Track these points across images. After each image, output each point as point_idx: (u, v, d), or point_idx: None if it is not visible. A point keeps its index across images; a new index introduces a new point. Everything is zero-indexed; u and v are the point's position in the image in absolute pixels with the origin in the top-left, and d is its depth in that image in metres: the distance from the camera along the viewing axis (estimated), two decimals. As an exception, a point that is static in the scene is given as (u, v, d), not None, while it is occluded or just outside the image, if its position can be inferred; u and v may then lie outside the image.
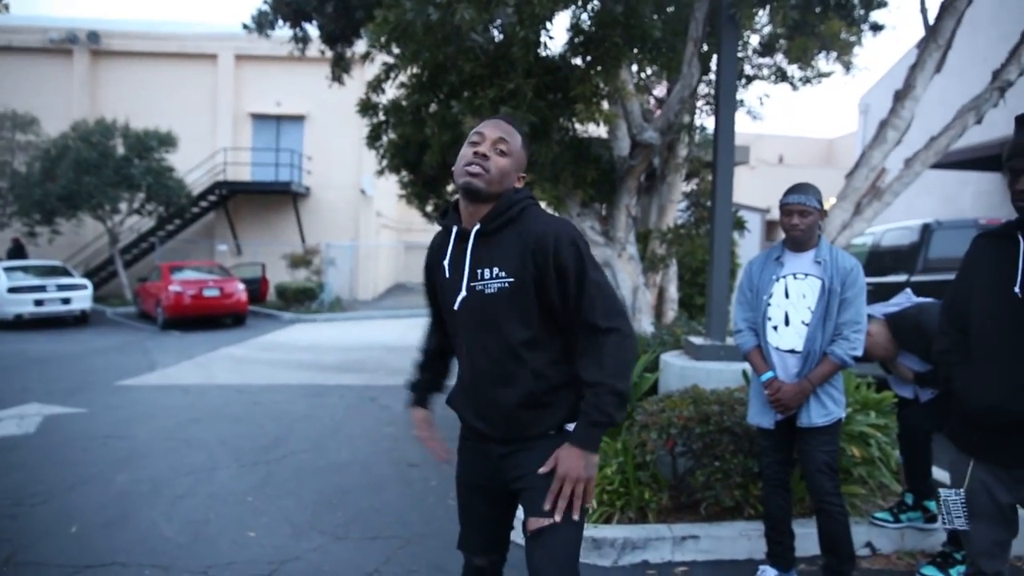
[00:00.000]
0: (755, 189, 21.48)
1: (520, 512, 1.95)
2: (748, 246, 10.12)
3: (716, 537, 3.55)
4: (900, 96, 5.27)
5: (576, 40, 5.62)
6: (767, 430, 3.06)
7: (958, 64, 7.61)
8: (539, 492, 1.83)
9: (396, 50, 5.97)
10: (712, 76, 6.63)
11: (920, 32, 5.25)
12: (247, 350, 11.59)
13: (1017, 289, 2.02)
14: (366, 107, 7.38)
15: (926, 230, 7.26)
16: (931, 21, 5.19)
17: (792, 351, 2.96)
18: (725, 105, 4.74)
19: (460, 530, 2.10)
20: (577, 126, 6.27)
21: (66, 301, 14.50)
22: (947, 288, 2.34)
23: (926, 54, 5.16)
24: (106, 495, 4.47)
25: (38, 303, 14.15)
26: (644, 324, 6.16)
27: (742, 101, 7.88)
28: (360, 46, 7.88)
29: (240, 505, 4.34)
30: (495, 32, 5.58)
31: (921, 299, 3.52)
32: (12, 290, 13.99)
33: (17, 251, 18.13)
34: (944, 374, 2.29)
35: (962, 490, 2.13)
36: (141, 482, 4.74)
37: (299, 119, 21.51)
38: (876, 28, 6.52)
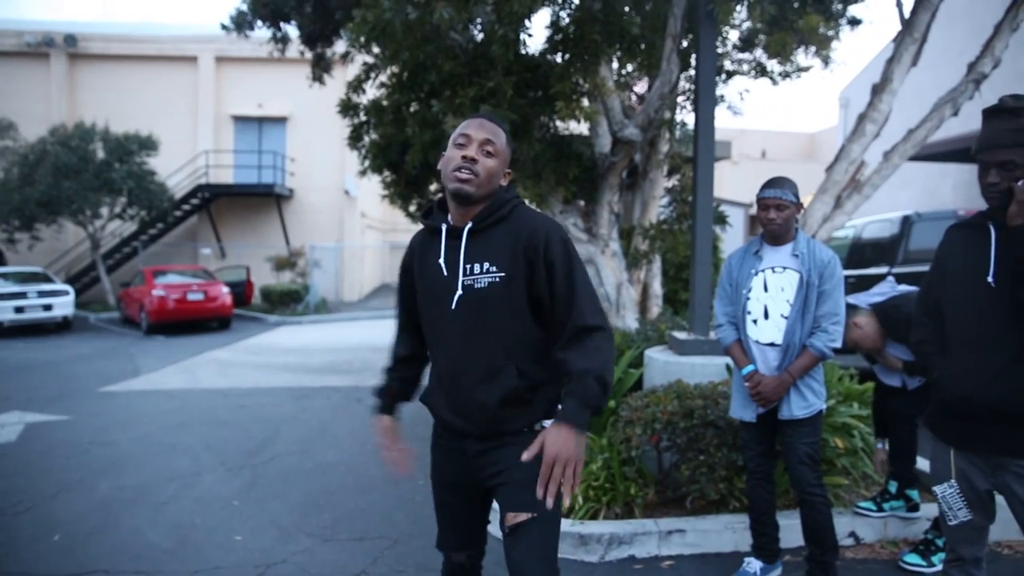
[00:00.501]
0: (739, 184, 21.59)
1: (497, 507, 1.95)
2: (732, 240, 10.19)
3: (702, 531, 3.57)
4: (877, 89, 5.32)
5: (555, 37, 5.63)
6: (749, 423, 3.08)
7: (935, 57, 7.69)
8: (516, 487, 1.84)
9: (376, 50, 5.96)
10: (692, 72, 6.66)
11: (896, 26, 5.29)
12: (232, 353, 11.52)
13: (991, 278, 2.04)
14: (347, 107, 7.35)
15: (906, 222, 7.34)
16: (907, 15, 5.24)
17: (772, 344, 2.98)
18: (705, 100, 4.76)
19: (438, 529, 2.11)
20: (558, 123, 6.28)
21: (47, 308, 14.35)
22: (922, 278, 2.36)
23: (902, 48, 5.21)
24: (89, 502, 4.43)
25: (18, 310, 13.99)
26: (628, 320, 6.18)
27: (722, 96, 7.93)
28: (340, 46, 7.85)
29: (226, 509, 4.31)
30: (474, 31, 5.57)
31: (905, 287, 3.53)
32: (-8, 297, 13.84)
33: (-4, 258, 17.93)
34: (921, 364, 2.32)
35: (953, 481, 2.15)
36: (125, 488, 4.70)
37: (281, 121, 21.40)
38: (854, 22, 6.57)
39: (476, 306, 1.85)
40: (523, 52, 5.66)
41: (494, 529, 2.39)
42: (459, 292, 1.86)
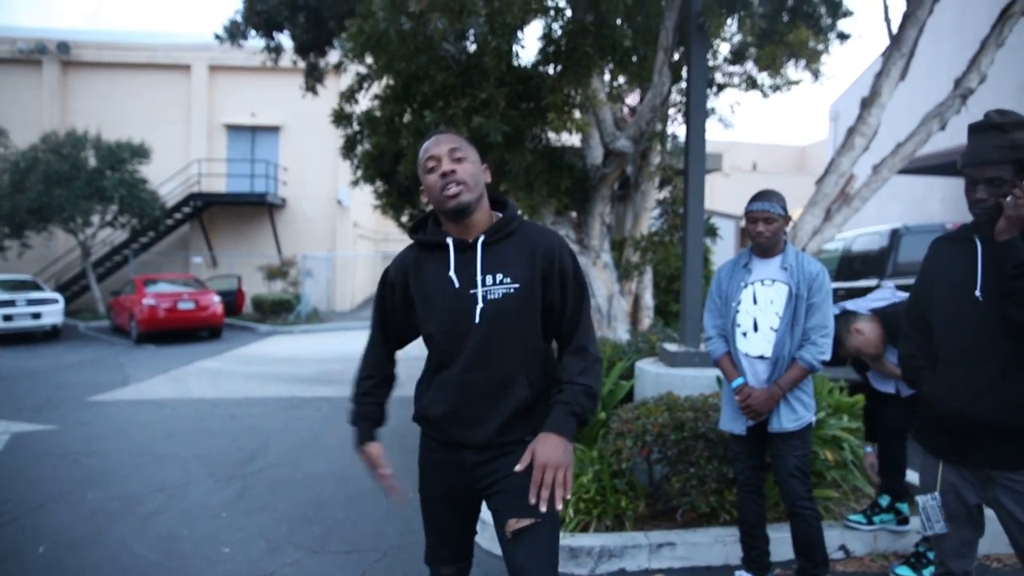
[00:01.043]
0: (730, 196, 21.70)
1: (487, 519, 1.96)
2: (722, 253, 10.22)
3: (692, 544, 3.56)
4: (867, 103, 5.37)
5: (548, 49, 5.66)
6: (739, 436, 3.08)
7: (924, 71, 7.77)
8: (518, 493, 1.83)
9: (369, 60, 5.97)
10: (683, 84, 6.71)
11: (885, 41, 5.35)
12: (223, 363, 11.46)
13: (978, 292, 2.05)
14: (340, 117, 7.37)
15: (895, 235, 7.39)
16: (895, 31, 5.30)
17: (761, 357, 2.99)
18: (696, 113, 4.79)
19: (426, 543, 2.10)
20: (550, 135, 6.30)
21: (36, 316, 14.24)
22: (909, 291, 2.38)
23: (891, 62, 5.27)
24: (76, 513, 4.39)
25: (7, 318, 13.88)
26: (620, 331, 6.19)
27: (713, 109, 7.98)
28: (333, 56, 7.87)
29: (214, 521, 4.28)
30: (467, 42, 5.60)
31: (905, 294, 3.45)
32: (-20, 305, 13.73)
33: (-16, 265, 17.79)
34: (911, 377, 2.33)
35: (937, 494, 2.16)
36: (112, 499, 4.66)
37: (274, 130, 21.39)
38: (843, 37, 6.65)
39: (492, 318, 1.86)
40: (515, 64, 5.69)
41: (480, 540, 2.38)
42: (480, 304, 1.86)
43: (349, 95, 7.17)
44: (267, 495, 4.77)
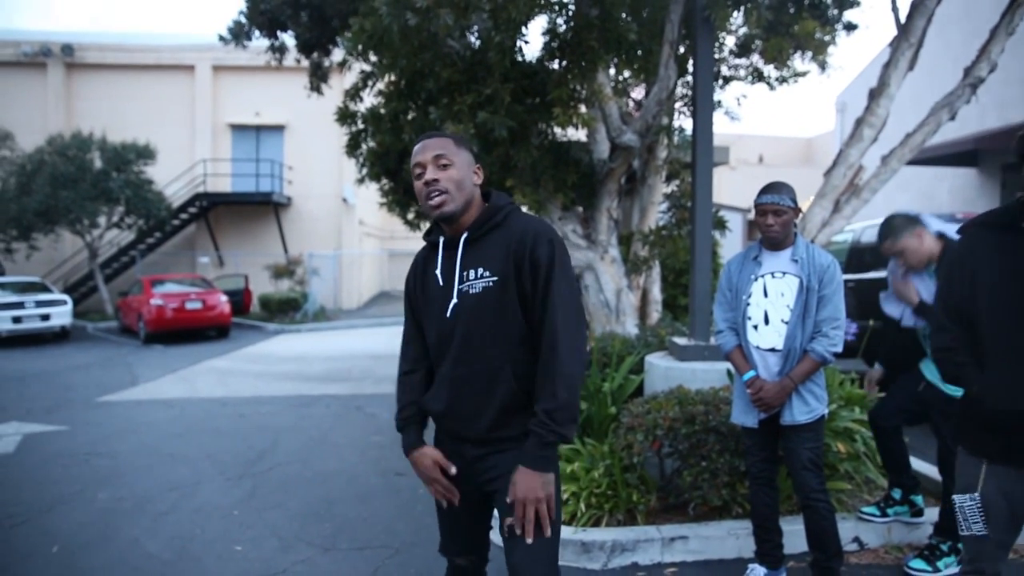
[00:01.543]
0: (736, 189, 21.64)
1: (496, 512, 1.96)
2: (730, 246, 10.18)
3: (705, 537, 3.55)
4: (875, 94, 5.33)
5: (552, 44, 5.63)
6: (751, 429, 3.06)
7: (931, 62, 7.71)
8: None
9: (373, 58, 5.96)
10: (689, 78, 6.67)
11: (892, 31, 5.31)
12: (231, 362, 11.49)
13: None
14: (344, 116, 7.35)
15: (904, 226, 7.32)
16: (903, 20, 5.26)
17: (773, 350, 2.97)
18: (702, 106, 4.76)
19: (440, 534, 2.13)
20: (556, 130, 6.28)
21: (45, 317, 14.32)
22: (940, 280, 2.26)
23: (899, 52, 5.22)
24: (88, 513, 4.41)
25: (16, 320, 13.96)
26: (628, 326, 6.17)
27: (719, 102, 7.92)
28: (337, 54, 7.85)
29: (226, 519, 4.29)
30: (472, 38, 5.58)
31: None
32: (-11, 307, 13.81)
33: (-8, 268, 17.90)
34: (952, 374, 2.23)
35: (977, 495, 2.08)
36: (124, 499, 4.67)
37: (279, 129, 21.42)
38: (850, 27, 6.59)
39: (472, 312, 1.89)
40: (520, 59, 5.67)
41: (496, 536, 2.37)
42: (454, 300, 1.91)
43: (353, 93, 7.15)
44: (278, 493, 4.78)
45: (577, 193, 6.36)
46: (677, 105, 7.20)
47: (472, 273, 1.90)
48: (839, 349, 2.92)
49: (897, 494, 3.63)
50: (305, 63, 8.44)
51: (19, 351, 13.10)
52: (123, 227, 18.13)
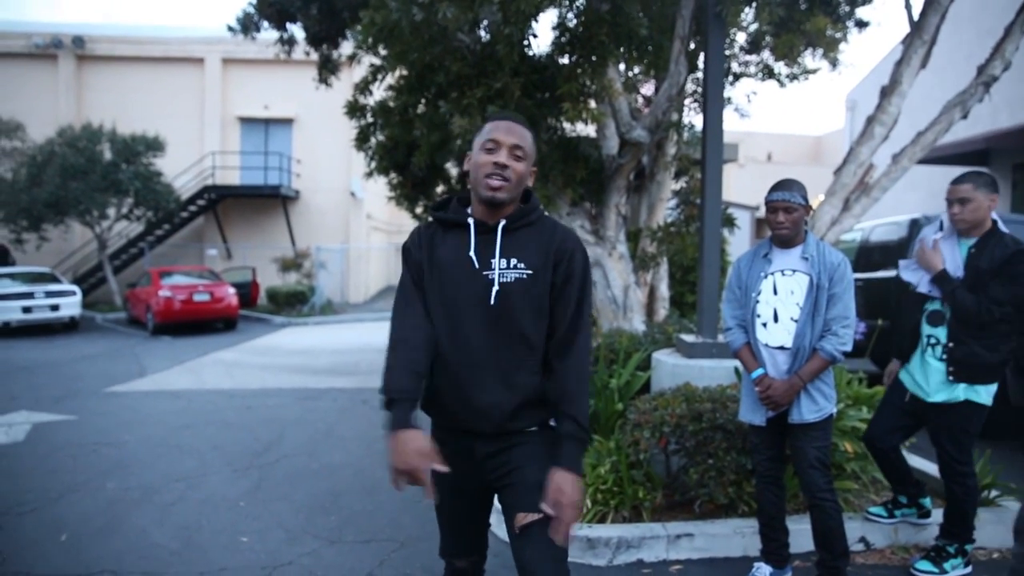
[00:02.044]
0: (744, 186, 21.57)
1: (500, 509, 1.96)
2: (738, 243, 10.15)
3: (710, 535, 3.54)
4: (886, 92, 5.30)
5: (562, 38, 5.61)
6: (759, 427, 3.06)
7: (943, 60, 7.66)
8: (527, 488, 1.84)
9: (383, 51, 5.95)
10: (700, 74, 6.64)
11: (905, 28, 5.27)
12: (238, 354, 11.53)
13: None
14: (354, 109, 7.35)
15: (914, 225, 7.28)
16: (916, 17, 5.22)
17: (782, 348, 2.96)
18: (713, 102, 4.74)
19: (440, 536, 2.09)
20: (565, 125, 6.26)
21: (55, 308, 14.41)
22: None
23: (911, 50, 5.19)
24: (96, 503, 4.43)
25: (26, 310, 14.05)
26: (635, 322, 6.17)
27: (730, 99, 7.89)
28: (346, 47, 7.85)
29: (232, 510, 4.31)
30: (481, 32, 5.57)
31: None
32: (-1, 297, 13.90)
33: (2, 258, 17.96)
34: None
35: None
36: (131, 489, 4.70)
37: (287, 122, 21.44)
38: (861, 24, 6.54)
39: (504, 300, 1.86)
40: (530, 53, 5.65)
41: (498, 531, 2.38)
42: (496, 287, 1.86)
43: (363, 86, 7.14)
44: (284, 485, 4.79)
45: (586, 189, 6.35)
46: (687, 101, 7.17)
47: (505, 262, 1.88)
48: (848, 348, 2.90)
49: (903, 499, 3.61)
50: (314, 56, 8.45)
51: (28, 341, 13.18)
52: (132, 219, 18.21)
